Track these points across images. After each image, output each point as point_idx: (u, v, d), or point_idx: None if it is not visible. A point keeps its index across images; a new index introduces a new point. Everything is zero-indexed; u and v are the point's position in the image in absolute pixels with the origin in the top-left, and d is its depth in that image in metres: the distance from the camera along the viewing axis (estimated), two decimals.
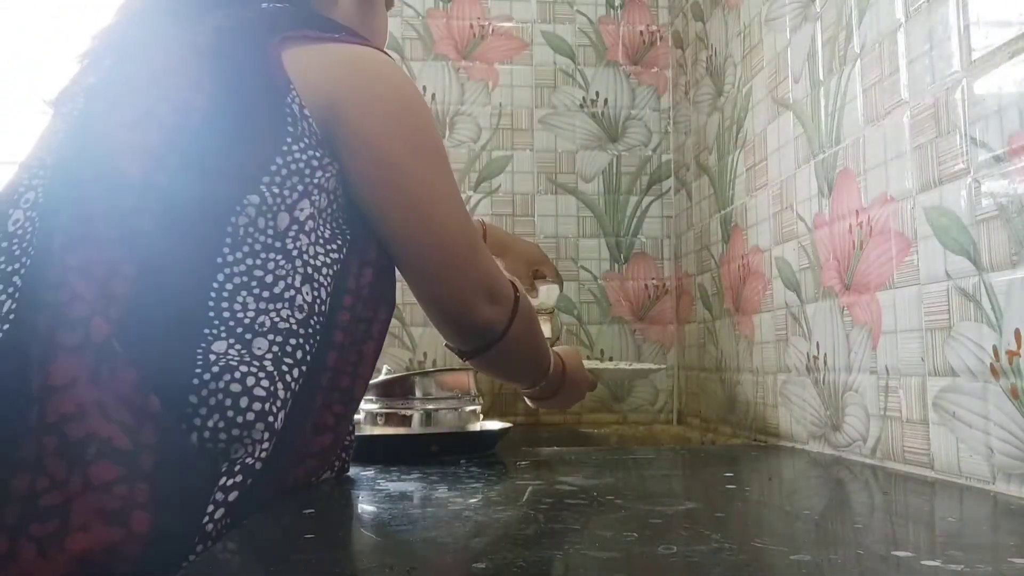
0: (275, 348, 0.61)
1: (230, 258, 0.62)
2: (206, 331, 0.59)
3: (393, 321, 1.60)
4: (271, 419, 0.58)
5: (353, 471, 0.82)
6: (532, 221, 1.67)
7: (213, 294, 0.60)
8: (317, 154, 0.68)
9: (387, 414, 1.02)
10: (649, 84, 1.73)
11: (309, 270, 0.66)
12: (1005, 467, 0.66)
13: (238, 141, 0.64)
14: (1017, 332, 0.65)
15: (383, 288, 0.74)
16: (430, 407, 1.02)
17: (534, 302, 1.56)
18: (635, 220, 1.70)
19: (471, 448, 0.97)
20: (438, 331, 0.81)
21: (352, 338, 0.71)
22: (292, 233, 0.66)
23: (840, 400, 0.95)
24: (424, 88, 1.67)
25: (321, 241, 0.68)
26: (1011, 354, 0.65)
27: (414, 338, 1.61)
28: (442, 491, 0.69)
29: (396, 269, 0.75)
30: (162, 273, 0.59)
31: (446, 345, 0.87)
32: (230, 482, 0.56)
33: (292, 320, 0.63)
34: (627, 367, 1.35)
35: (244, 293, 0.62)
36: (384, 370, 1.20)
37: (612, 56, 1.73)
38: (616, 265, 1.68)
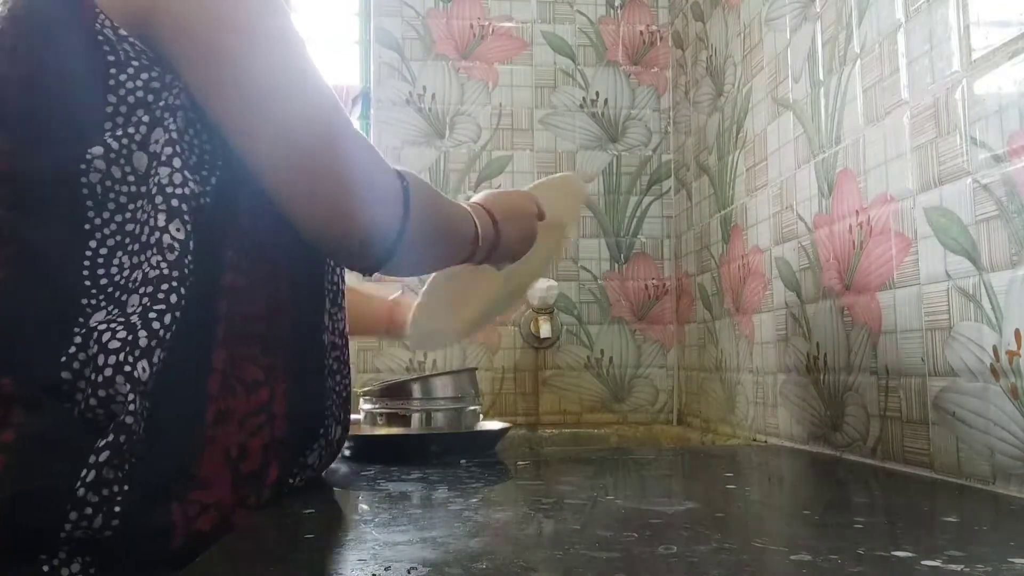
0: (145, 300, 0.57)
1: (97, 221, 0.58)
2: (84, 302, 0.56)
3: None
4: (128, 368, 0.54)
5: (353, 471, 0.82)
6: None
7: (87, 263, 0.57)
8: (155, 73, 0.60)
9: (387, 415, 1.02)
10: (649, 84, 1.73)
11: (174, 202, 0.59)
12: (1005, 467, 0.66)
13: (60, 96, 0.59)
14: (1017, 332, 0.65)
15: (275, 219, 0.63)
16: (430, 408, 1.02)
17: (533, 301, 1.57)
18: (635, 220, 1.70)
19: (471, 448, 0.97)
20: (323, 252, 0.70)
21: (250, 280, 0.63)
22: (152, 170, 0.59)
23: (840, 400, 0.95)
24: (424, 88, 1.67)
25: (186, 170, 0.60)
26: (1011, 354, 0.65)
27: None
28: (442, 491, 0.69)
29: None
30: (33, 254, 0.56)
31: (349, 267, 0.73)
32: (102, 442, 0.53)
33: (164, 264, 0.57)
34: (552, 177, 1.13)
35: (120, 253, 0.58)
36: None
37: (612, 56, 1.73)
38: (616, 265, 1.68)
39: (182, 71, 0.61)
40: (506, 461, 0.90)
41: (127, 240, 0.59)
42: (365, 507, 0.65)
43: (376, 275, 0.71)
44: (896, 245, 0.83)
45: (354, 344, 1.59)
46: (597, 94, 1.72)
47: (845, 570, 0.43)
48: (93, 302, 0.57)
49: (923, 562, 0.43)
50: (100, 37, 0.59)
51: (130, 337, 0.55)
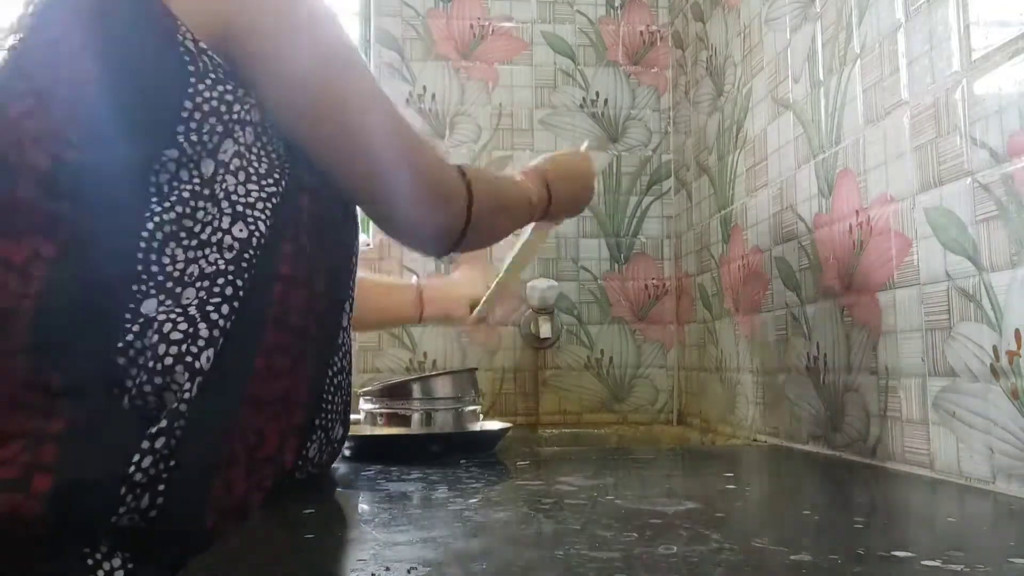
0: (202, 293, 0.60)
1: (157, 209, 0.60)
2: (135, 288, 0.58)
3: None
4: (190, 359, 0.57)
5: (353, 471, 0.82)
6: None
7: (143, 244, 0.59)
8: (229, 87, 0.65)
9: (387, 414, 1.02)
10: (649, 84, 1.73)
11: (240, 208, 0.63)
12: (1005, 467, 0.66)
13: (139, 98, 0.62)
14: (1017, 332, 0.65)
15: (329, 216, 0.70)
16: (430, 408, 1.02)
17: (533, 302, 1.57)
18: (635, 220, 1.70)
19: (471, 448, 0.97)
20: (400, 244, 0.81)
21: (297, 272, 0.68)
22: (219, 177, 0.63)
23: (840, 400, 0.95)
24: (424, 88, 1.67)
25: (255, 178, 0.65)
26: (1011, 354, 0.65)
27: (414, 338, 1.61)
28: (442, 491, 0.69)
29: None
30: (86, 248, 0.58)
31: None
32: (155, 429, 0.54)
33: (221, 262, 0.61)
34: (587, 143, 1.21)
35: (173, 244, 0.60)
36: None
37: (612, 56, 1.73)
38: (616, 265, 1.68)
39: (257, 86, 0.66)
40: (506, 461, 0.90)
41: (182, 234, 0.61)
42: (365, 507, 0.65)
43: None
44: (896, 245, 0.83)
45: (354, 344, 1.59)
46: (597, 94, 1.72)
47: (845, 570, 0.43)
48: (143, 288, 0.59)
49: (923, 562, 0.43)
50: (182, 48, 0.63)
51: (191, 329, 0.58)
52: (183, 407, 0.56)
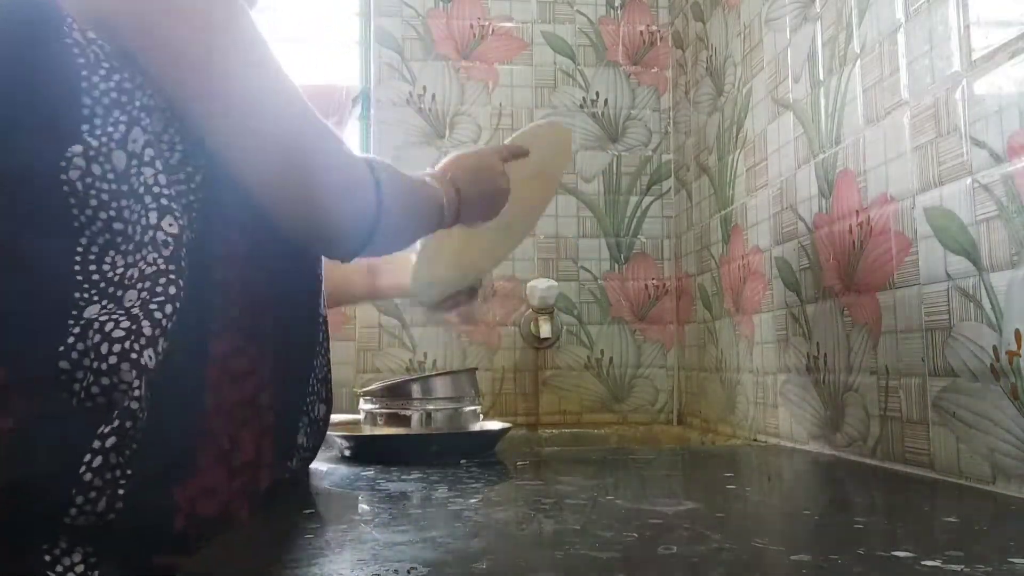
0: (143, 294, 0.59)
1: (83, 218, 0.59)
2: (76, 296, 0.57)
3: (393, 321, 1.61)
4: (134, 356, 0.56)
5: (353, 471, 0.82)
6: None
7: (78, 259, 0.58)
8: (125, 75, 0.62)
9: (387, 415, 1.02)
10: (649, 84, 1.73)
11: (164, 201, 0.61)
12: (1005, 467, 0.66)
13: (33, 96, 0.60)
14: (1017, 332, 0.65)
15: (253, 218, 0.66)
16: (430, 408, 1.02)
17: (533, 302, 1.57)
18: (635, 220, 1.70)
19: (471, 448, 0.97)
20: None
21: (243, 274, 0.66)
22: (134, 170, 0.61)
23: (840, 400, 0.95)
24: (424, 88, 1.67)
25: (169, 168, 0.63)
26: (1011, 354, 0.65)
27: (414, 338, 1.61)
28: (442, 491, 0.69)
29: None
30: (15, 250, 0.57)
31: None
32: (107, 428, 0.54)
33: (160, 260, 0.60)
34: (522, 129, 1.14)
35: (112, 252, 0.59)
36: None
37: (612, 56, 1.73)
38: (616, 265, 1.68)
39: (150, 71, 0.63)
40: (506, 461, 0.90)
41: (119, 239, 0.60)
42: (365, 507, 0.65)
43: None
44: (896, 245, 0.83)
45: (354, 344, 1.60)
46: (597, 94, 1.72)
47: (845, 570, 0.43)
48: (86, 296, 0.58)
49: (923, 562, 0.43)
50: (69, 40, 0.61)
51: (134, 327, 0.57)
52: (133, 404, 0.55)
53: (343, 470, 0.84)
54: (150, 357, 0.57)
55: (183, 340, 0.60)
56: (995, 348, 0.67)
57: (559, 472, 0.80)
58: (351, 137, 1.70)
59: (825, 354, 0.99)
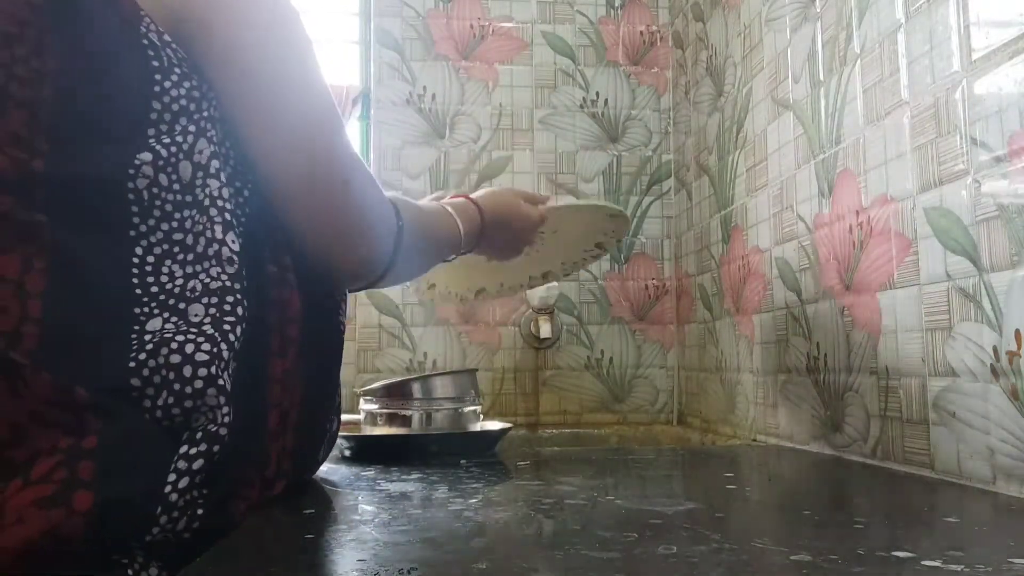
0: (212, 310, 0.57)
1: (143, 228, 0.57)
2: (137, 310, 0.55)
3: (393, 321, 1.61)
4: (220, 382, 0.55)
5: (353, 471, 0.82)
6: None
7: (135, 270, 0.56)
8: (195, 83, 0.60)
9: (387, 415, 1.02)
10: (649, 84, 1.74)
11: (228, 216, 0.60)
12: (1005, 467, 0.66)
13: (104, 98, 0.57)
14: (1017, 332, 0.65)
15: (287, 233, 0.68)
16: (430, 408, 1.02)
17: (533, 302, 1.57)
18: (635, 220, 1.70)
19: (471, 448, 0.97)
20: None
21: (289, 294, 0.66)
22: (199, 181, 0.59)
23: (840, 400, 0.95)
24: (424, 88, 1.67)
25: (231, 179, 0.62)
26: (1011, 354, 0.65)
27: (414, 339, 1.61)
28: (442, 491, 0.69)
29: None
30: (74, 262, 0.54)
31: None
32: (193, 451, 0.53)
33: (224, 276, 0.59)
34: (580, 202, 1.19)
35: (168, 261, 0.57)
36: None
37: (612, 56, 1.73)
38: (616, 265, 1.68)
39: (208, 76, 0.62)
40: (506, 461, 0.90)
41: (176, 249, 0.58)
42: (365, 507, 0.65)
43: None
44: (896, 245, 0.83)
45: (354, 344, 1.60)
46: (597, 94, 1.72)
47: (845, 570, 0.43)
48: (146, 310, 0.56)
49: (923, 562, 0.43)
50: (145, 41, 0.58)
51: (215, 349, 0.56)
52: (222, 431, 0.55)
53: (343, 470, 0.84)
54: (228, 378, 0.57)
55: (249, 360, 0.61)
56: (995, 348, 0.67)
57: (559, 472, 0.80)
58: (351, 137, 1.70)
59: (825, 354, 0.99)
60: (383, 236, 0.72)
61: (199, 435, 0.54)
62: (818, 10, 1.01)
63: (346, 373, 1.53)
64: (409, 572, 0.42)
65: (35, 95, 0.55)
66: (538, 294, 1.56)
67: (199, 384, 0.54)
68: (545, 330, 1.57)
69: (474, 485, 0.74)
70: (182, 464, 0.53)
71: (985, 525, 0.58)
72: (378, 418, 1.03)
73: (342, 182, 0.67)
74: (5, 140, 0.53)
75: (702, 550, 0.46)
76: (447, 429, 1.01)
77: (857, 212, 0.91)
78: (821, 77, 1.00)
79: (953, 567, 0.42)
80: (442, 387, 1.04)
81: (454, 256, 0.90)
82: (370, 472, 0.81)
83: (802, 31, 1.06)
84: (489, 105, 1.69)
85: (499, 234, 0.91)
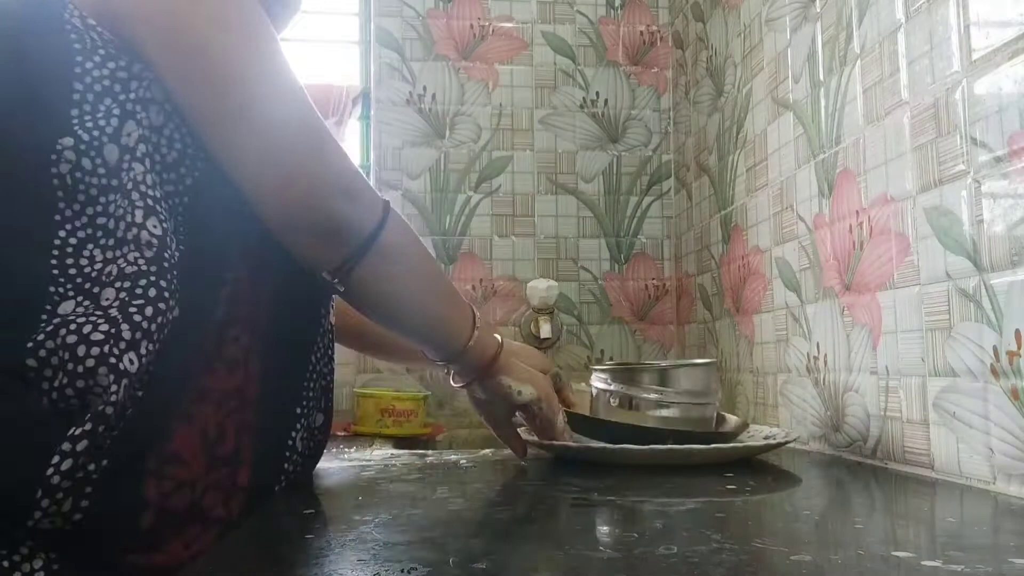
0: (122, 295, 0.57)
1: (68, 212, 0.57)
2: (51, 290, 0.56)
3: None
4: (113, 360, 0.54)
5: (353, 471, 0.82)
6: (532, 221, 1.67)
7: (56, 252, 0.56)
8: (122, 63, 0.60)
9: (621, 396, 0.91)
10: (649, 84, 1.74)
11: (150, 201, 0.59)
12: (1005, 467, 0.66)
13: (24, 84, 0.58)
14: (1017, 332, 0.65)
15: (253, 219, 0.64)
16: (671, 401, 0.90)
17: (533, 302, 1.57)
18: (635, 220, 1.70)
19: (720, 458, 0.85)
20: (290, 250, 0.65)
21: (252, 276, 0.64)
22: (125, 164, 0.59)
23: (840, 400, 0.95)
24: (424, 88, 1.67)
25: (162, 165, 0.61)
26: (1011, 354, 0.65)
27: None
28: (442, 491, 0.69)
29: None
30: None
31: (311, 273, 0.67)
32: (78, 431, 0.52)
33: (141, 261, 0.58)
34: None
35: (91, 246, 0.57)
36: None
37: (612, 56, 1.73)
38: (616, 265, 1.68)
39: (155, 63, 0.61)
40: (506, 461, 0.90)
41: (99, 234, 0.58)
42: (365, 507, 0.65)
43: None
44: (896, 245, 0.83)
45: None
46: (597, 94, 1.72)
47: (845, 570, 0.43)
48: (61, 291, 0.56)
49: (923, 562, 0.43)
50: (68, 25, 0.59)
51: (113, 330, 0.55)
52: (108, 409, 0.53)
53: (343, 470, 0.84)
54: (131, 361, 0.55)
55: (178, 338, 0.59)
56: (995, 348, 0.67)
57: (559, 472, 0.80)
58: (351, 137, 1.70)
59: (825, 354, 0.99)
60: (365, 199, 0.65)
61: (87, 415, 0.53)
62: (818, 10, 1.01)
63: (346, 373, 1.53)
64: (409, 572, 0.42)
65: None
66: (538, 294, 1.56)
67: (91, 363, 0.54)
68: (545, 330, 1.57)
69: (474, 485, 0.74)
70: (66, 446, 0.52)
71: (985, 525, 0.58)
72: (611, 398, 0.91)
73: (307, 136, 0.63)
74: None
75: (702, 550, 0.46)
76: (689, 428, 0.89)
77: (857, 212, 0.91)
78: (821, 77, 1.00)
79: (953, 567, 0.42)
80: (686, 380, 0.92)
81: (468, 346, 0.76)
82: (370, 472, 0.81)
83: (802, 31, 1.06)
84: (489, 105, 1.69)
85: (514, 358, 0.81)
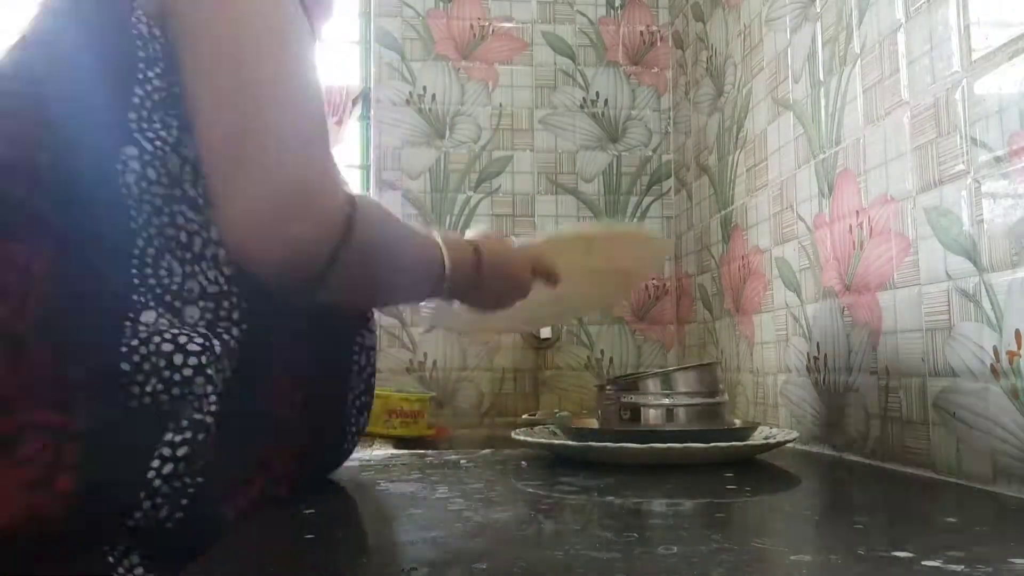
0: (208, 315, 0.58)
1: (140, 220, 0.57)
2: (135, 298, 0.57)
3: (393, 322, 1.61)
4: (210, 371, 0.56)
5: (353, 471, 0.82)
6: (532, 221, 1.67)
7: (135, 261, 0.57)
8: (178, 78, 0.59)
9: (632, 407, 0.91)
10: (649, 84, 1.74)
11: None
12: (1005, 467, 0.66)
13: (92, 88, 0.58)
14: (1017, 332, 0.65)
15: None
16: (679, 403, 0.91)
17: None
18: (635, 220, 1.70)
19: (732, 456, 0.86)
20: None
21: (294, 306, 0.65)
22: (188, 176, 0.58)
23: (840, 400, 0.95)
24: (424, 88, 1.67)
25: None
26: (1011, 354, 0.65)
27: (414, 339, 1.61)
28: (442, 491, 0.69)
29: None
30: (77, 249, 0.56)
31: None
32: (178, 438, 0.54)
33: (221, 279, 0.58)
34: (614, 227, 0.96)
35: (168, 256, 0.58)
36: None
37: (612, 56, 1.73)
38: None
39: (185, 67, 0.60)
40: (506, 461, 0.90)
41: (173, 245, 0.59)
42: (365, 507, 0.65)
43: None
44: (896, 245, 0.83)
45: None
46: (597, 94, 1.72)
47: (845, 570, 0.43)
48: (143, 300, 0.57)
49: (923, 562, 0.43)
50: (134, 31, 0.59)
51: (207, 344, 0.57)
52: (208, 419, 0.55)
53: (344, 470, 0.84)
54: (220, 374, 0.57)
55: (249, 363, 0.61)
56: (995, 348, 0.67)
57: (559, 472, 0.80)
58: (351, 137, 1.70)
59: (825, 354, 0.99)
60: (322, 216, 0.58)
61: (184, 422, 0.55)
62: (818, 10, 1.01)
63: None
64: (409, 572, 0.42)
65: (46, 91, 0.57)
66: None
67: (188, 372, 0.55)
68: (545, 330, 1.57)
69: (474, 485, 0.74)
70: (166, 451, 0.53)
71: (985, 525, 0.58)
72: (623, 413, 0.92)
73: (268, 144, 0.57)
74: (20, 137, 0.56)
75: (702, 550, 0.46)
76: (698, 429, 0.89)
77: (857, 212, 0.91)
78: (821, 77, 1.00)
79: (953, 567, 0.42)
80: (685, 382, 0.93)
81: (443, 295, 0.72)
82: (370, 473, 0.81)
83: (802, 31, 1.06)
84: (489, 105, 1.69)
85: (495, 280, 0.76)
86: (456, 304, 0.79)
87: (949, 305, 0.74)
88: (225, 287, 0.59)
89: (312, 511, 0.61)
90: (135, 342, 0.55)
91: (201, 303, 0.58)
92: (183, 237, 0.59)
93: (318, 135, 0.60)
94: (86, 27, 0.60)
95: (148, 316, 0.57)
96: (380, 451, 1.09)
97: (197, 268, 0.59)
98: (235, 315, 0.60)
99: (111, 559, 0.53)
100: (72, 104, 0.58)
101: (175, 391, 0.55)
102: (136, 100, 0.59)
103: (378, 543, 0.50)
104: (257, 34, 0.59)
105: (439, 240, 0.71)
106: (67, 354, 0.53)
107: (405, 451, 1.09)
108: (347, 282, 0.61)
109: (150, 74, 0.59)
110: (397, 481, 0.75)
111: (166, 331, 0.56)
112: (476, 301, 0.77)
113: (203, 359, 0.56)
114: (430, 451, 1.07)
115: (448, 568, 0.44)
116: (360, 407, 0.77)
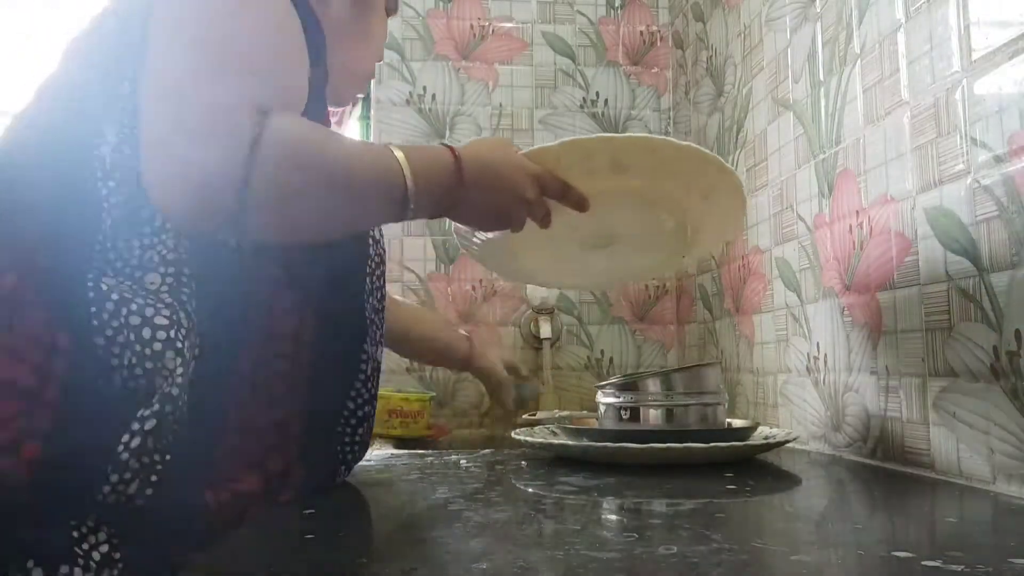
0: (169, 279, 0.58)
1: (104, 191, 0.59)
2: (97, 266, 0.58)
3: None
4: (179, 345, 0.57)
5: (352, 472, 0.82)
6: None
7: (100, 236, 0.58)
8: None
9: (631, 409, 0.91)
10: (649, 84, 1.74)
11: None
12: (1005, 467, 0.66)
13: (93, 75, 0.62)
14: (1017, 332, 0.65)
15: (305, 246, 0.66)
16: (679, 402, 0.91)
17: (534, 302, 1.57)
18: None
19: (731, 455, 0.86)
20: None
21: (283, 301, 0.65)
22: None
23: (840, 400, 0.95)
24: (424, 88, 1.67)
25: None
26: (1011, 354, 0.65)
27: None
28: (442, 491, 0.69)
29: None
30: (57, 212, 0.58)
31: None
32: (147, 412, 0.55)
33: (181, 249, 0.59)
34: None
35: (127, 230, 0.59)
36: None
37: (612, 56, 1.73)
38: None
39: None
40: (506, 461, 0.90)
41: (136, 220, 0.60)
42: (366, 507, 0.65)
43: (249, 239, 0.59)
44: (896, 245, 0.83)
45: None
46: (597, 94, 1.72)
47: (845, 570, 0.43)
48: (104, 270, 0.58)
49: (923, 562, 0.43)
50: (139, 32, 0.61)
51: (174, 316, 0.57)
52: (174, 390, 0.56)
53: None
54: (189, 348, 0.58)
55: (212, 345, 0.61)
56: (995, 348, 0.67)
57: (559, 472, 0.80)
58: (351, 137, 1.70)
59: (825, 354, 0.99)
60: (225, 124, 0.53)
61: (155, 396, 0.55)
62: (818, 10, 1.01)
63: None
64: (409, 572, 0.42)
65: (65, 69, 0.64)
66: (539, 294, 1.56)
67: (158, 347, 0.56)
68: (545, 330, 1.57)
69: (474, 485, 0.74)
70: (135, 425, 0.54)
71: (985, 525, 0.58)
72: (622, 412, 0.91)
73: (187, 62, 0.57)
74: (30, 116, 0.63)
75: (702, 550, 0.46)
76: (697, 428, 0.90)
77: (857, 212, 0.91)
78: (821, 77, 1.00)
79: (953, 567, 0.42)
80: (686, 382, 0.92)
81: (415, 213, 0.63)
82: (370, 473, 0.81)
83: (802, 31, 1.06)
84: (489, 105, 1.69)
85: (483, 180, 0.67)
86: (497, 235, 0.73)
87: (949, 305, 0.74)
88: (184, 255, 0.60)
89: (312, 511, 0.61)
90: (105, 315, 0.56)
91: (161, 269, 0.59)
92: (145, 212, 0.60)
93: (249, 65, 0.56)
94: (101, 21, 0.64)
95: (108, 281, 0.57)
96: (380, 451, 1.09)
97: (157, 239, 0.60)
98: (194, 284, 0.60)
99: (76, 534, 0.53)
100: (71, 83, 0.62)
101: (148, 364, 0.56)
102: (125, 92, 0.60)
103: (378, 543, 0.50)
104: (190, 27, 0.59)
105: (397, 151, 0.62)
106: (64, 319, 0.54)
107: (405, 451, 1.09)
108: (268, 208, 0.55)
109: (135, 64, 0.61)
110: (397, 481, 0.75)
111: (131, 300, 0.56)
112: (468, 217, 0.69)
113: (171, 332, 0.57)
114: (430, 451, 1.07)
115: (448, 568, 0.44)
116: (361, 417, 0.77)
